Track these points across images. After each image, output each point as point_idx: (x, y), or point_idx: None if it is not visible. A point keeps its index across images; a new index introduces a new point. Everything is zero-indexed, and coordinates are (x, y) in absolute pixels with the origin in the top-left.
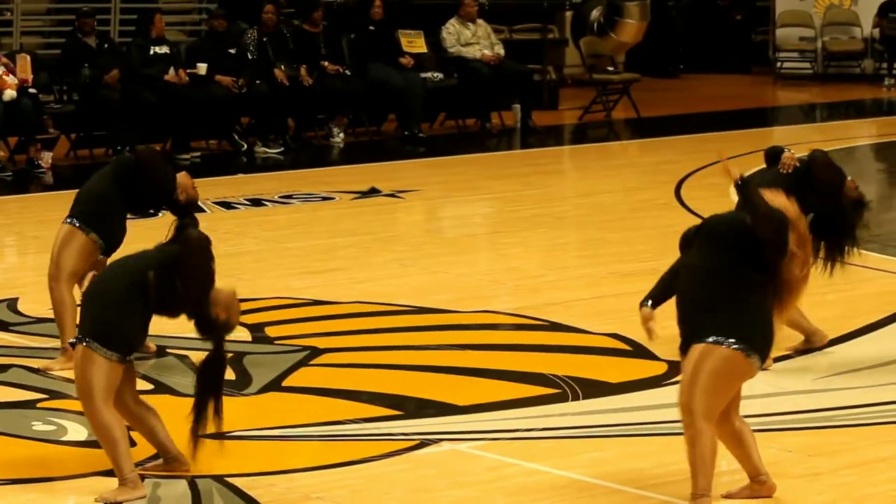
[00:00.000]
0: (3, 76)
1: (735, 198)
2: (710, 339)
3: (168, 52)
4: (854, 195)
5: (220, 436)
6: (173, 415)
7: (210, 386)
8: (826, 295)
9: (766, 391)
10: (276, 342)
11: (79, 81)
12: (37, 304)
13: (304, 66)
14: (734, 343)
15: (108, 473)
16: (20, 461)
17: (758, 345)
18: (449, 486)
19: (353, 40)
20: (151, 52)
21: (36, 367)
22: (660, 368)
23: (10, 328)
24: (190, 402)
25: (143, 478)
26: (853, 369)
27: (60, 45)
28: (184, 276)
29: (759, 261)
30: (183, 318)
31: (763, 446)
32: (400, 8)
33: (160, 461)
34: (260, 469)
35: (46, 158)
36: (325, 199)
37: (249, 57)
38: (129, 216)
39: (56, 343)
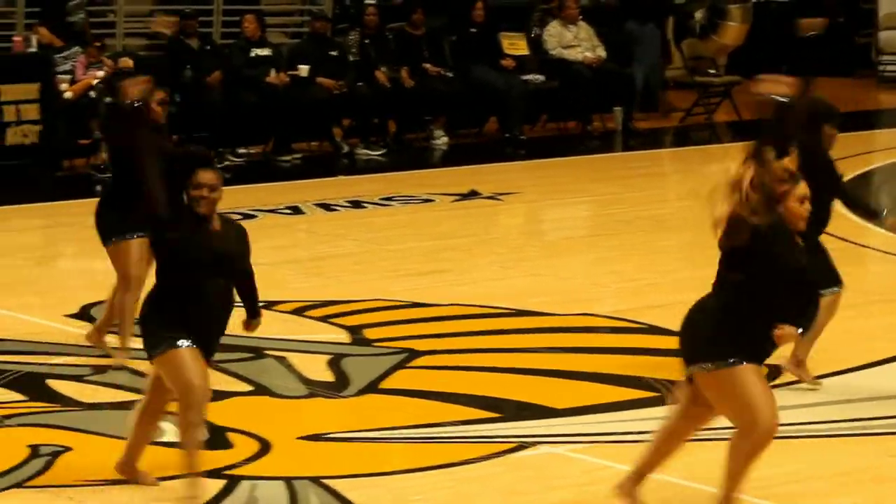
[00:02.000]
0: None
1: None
2: None
3: (269, 54)
4: None
5: (317, 437)
6: (269, 415)
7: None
8: None
9: (867, 395)
10: (374, 344)
11: (181, 83)
12: (136, 304)
13: (406, 67)
14: None
15: (208, 475)
16: None
17: None
18: (544, 490)
19: (454, 42)
20: (253, 54)
21: (135, 368)
22: None
23: (110, 329)
24: (288, 402)
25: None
26: None
27: (163, 47)
28: None
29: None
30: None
31: (864, 451)
32: (502, 10)
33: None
34: (357, 471)
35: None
36: (425, 201)
37: (351, 59)
38: None
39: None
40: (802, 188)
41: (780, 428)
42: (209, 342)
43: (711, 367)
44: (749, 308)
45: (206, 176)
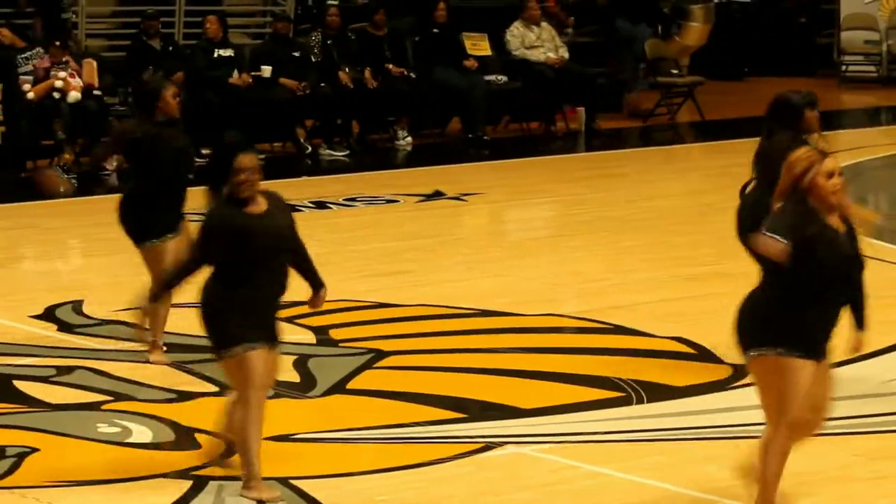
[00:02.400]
0: (69, 78)
1: None
2: None
3: (232, 54)
4: None
5: (284, 438)
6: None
7: None
8: (887, 298)
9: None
10: (340, 345)
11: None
12: (101, 305)
13: (369, 68)
14: None
15: (175, 476)
16: (86, 463)
17: None
18: (512, 489)
19: (417, 43)
20: (215, 55)
21: (101, 369)
22: (724, 372)
23: (75, 330)
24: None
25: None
26: None
27: (125, 48)
28: None
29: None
30: None
31: (828, 450)
32: (464, 11)
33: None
34: (324, 471)
35: (111, 161)
36: (389, 201)
37: (314, 59)
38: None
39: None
40: (828, 163)
41: (744, 428)
42: (275, 325)
43: (756, 354)
44: (796, 300)
45: (246, 160)
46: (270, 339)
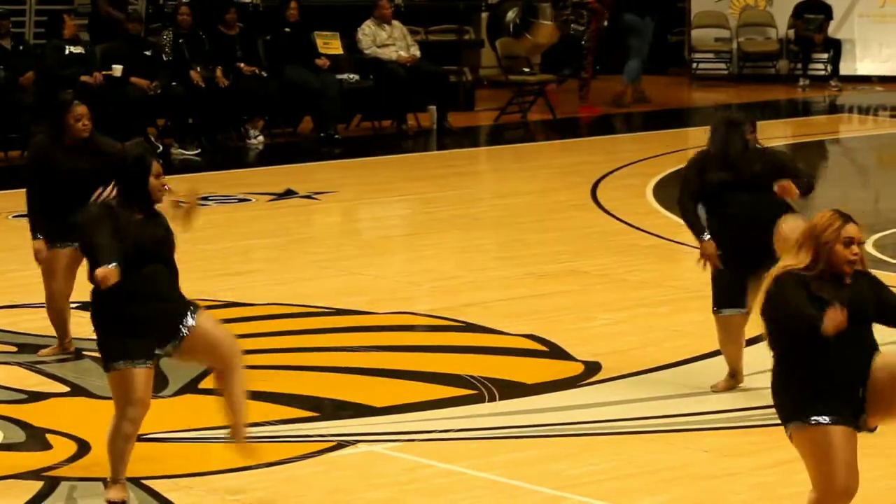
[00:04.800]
0: None
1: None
2: None
3: (83, 52)
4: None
5: (137, 437)
6: (87, 416)
7: None
8: None
9: (680, 391)
10: None
11: None
12: None
13: (220, 67)
14: None
15: (27, 477)
16: None
17: None
18: (365, 488)
19: (268, 42)
20: (67, 53)
21: None
22: (576, 369)
23: None
24: (107, 403)
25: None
26: (769, 369)
27: None
28: None
29: None
30: None
31: (679, 447)
32: (316, 10)
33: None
34: (176, 471)
35: None
36: (241, 200)
37: (165, 59)
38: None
39: None
40: (849, 229)
41: (595, 425)
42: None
43: (790, 430)
44: (798, 368)
45: (158, 166)
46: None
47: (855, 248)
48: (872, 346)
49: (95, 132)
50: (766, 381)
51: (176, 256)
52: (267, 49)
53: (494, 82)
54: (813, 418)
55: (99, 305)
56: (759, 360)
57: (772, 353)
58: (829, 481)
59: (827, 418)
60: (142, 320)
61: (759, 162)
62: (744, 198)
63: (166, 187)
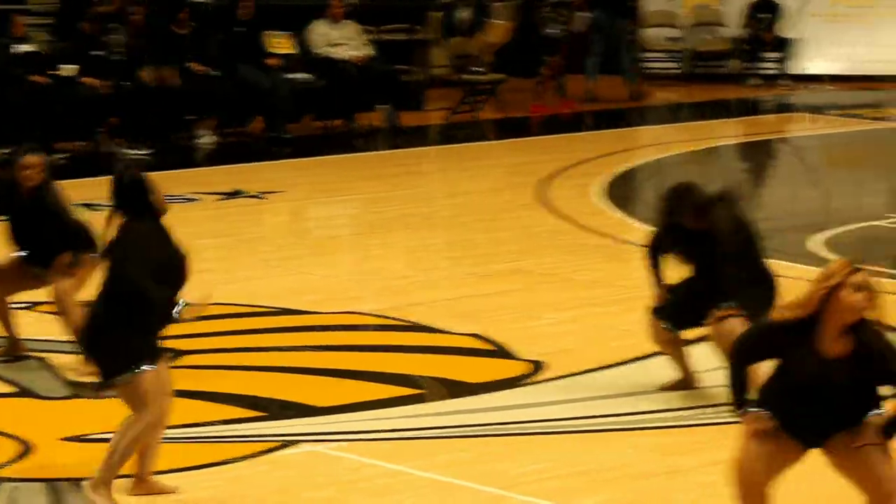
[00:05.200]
0: None
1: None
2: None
3: (34, 51)
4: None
5: (80, 438)
6: (31, 417)
7: None
8: None
9: (624, 390)
10: None
11: None
12: None
13: (172, 67)
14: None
15: None
16: None
17: None
18: (309, 488)
19: (220, 41)
20: (14, 52)
21: None
22: (520, 369)
23: None
24: (51, 404)
25: None
26: (716, 367)
27: None
28: None
29: None
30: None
31: (622, 446)
32: (267, 9)
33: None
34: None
35: None
36: (189, 200)
37: (116, 58)
38: None
39: None
40: (857, 277)
41: (539, 424)
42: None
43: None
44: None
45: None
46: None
47: (861, 296)
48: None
49: (50, 184)
50: (710, 380)
51: None
52: (218, 48)
53: (446, 81)
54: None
55: (126, 312)
56: (703, 360)
57: None
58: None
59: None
60: (158, 322)
61: None
62: None
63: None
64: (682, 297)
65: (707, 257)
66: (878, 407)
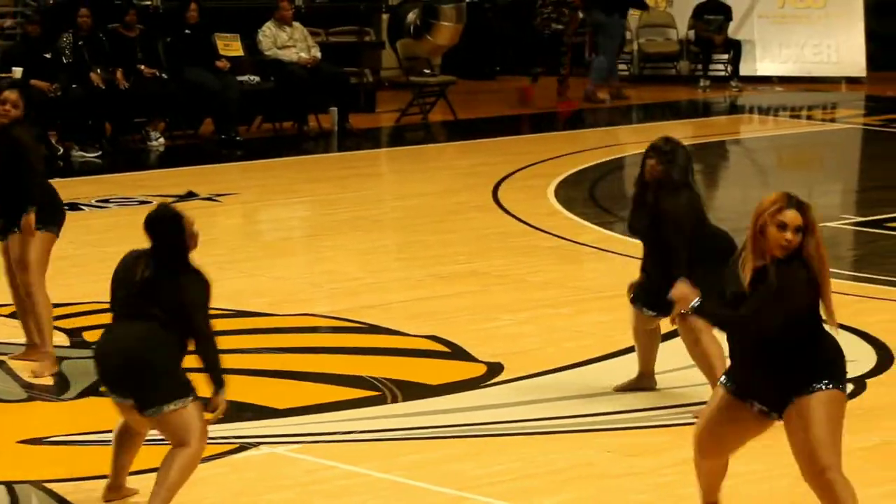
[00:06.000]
0: None
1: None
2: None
3: None
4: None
5: (38, 441)
6: None
7: None
8: None
9: (582, 392)
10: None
11: None
12: None
13: (121, 69)
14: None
15: None
16: None
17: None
18: (268, 490)
19: (168, 44)
20: None
21: None
22: (478, 370)
23: None
24: (8, 406)
25: None
26: (671, 369)
27: None
28: None
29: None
30: None
31: (581, 447)
32: (216, 12)
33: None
34: (79, 474)
35: None
36: (142, 202)
37: (65, 61)
38: None
39: None
40: (785, 215)
41: (497, 426)
42: None
43: None
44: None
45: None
46: None
47: (788, 234)
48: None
49: (20, 122)
50: (665, 382)
51: (77, 259)
52: (167, 51)
53: (395, 84)
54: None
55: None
56: (660, 362)
57: None
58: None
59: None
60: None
61: None
62: None
63: None
64: (650, 281)
65: (662, 240)
66: None
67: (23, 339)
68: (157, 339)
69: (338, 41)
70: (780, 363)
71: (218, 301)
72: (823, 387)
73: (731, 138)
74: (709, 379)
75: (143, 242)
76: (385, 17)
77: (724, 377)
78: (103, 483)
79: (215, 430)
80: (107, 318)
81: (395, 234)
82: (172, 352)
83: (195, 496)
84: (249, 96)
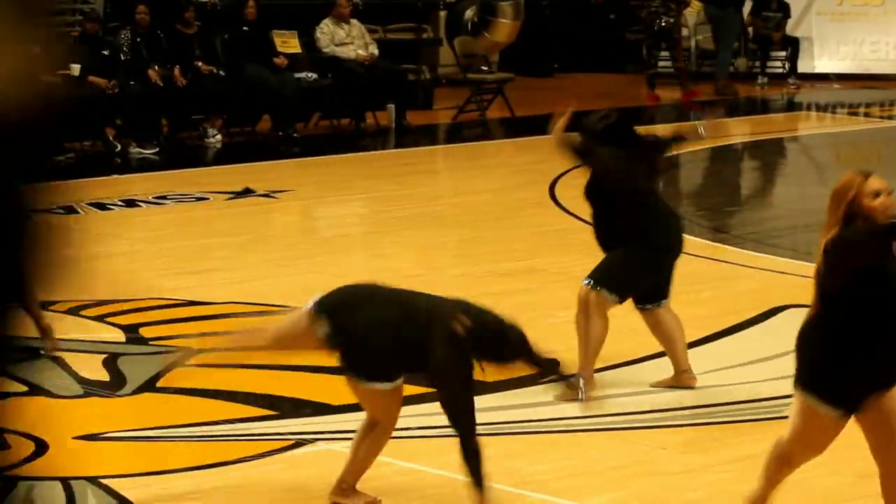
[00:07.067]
0: None
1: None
2: None
3: None
4: None
5: (94, 437)
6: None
7: None
8: (701, 293)
9: (639, 389)
10: (150, 343)
11: None
12: None
13: (178, 66)
14: None
15: None
16: None
17: None
18: (324, 486)
19: (226, 41)
20: None
21: None
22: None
23: None
24: (64, 402)
25: None
26: (727, 366)
27: None
28: None
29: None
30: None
31: (636, 443)
32: (274, 8)
33: None
34: (134, 470)
35: None
36: (199, 199)
37: (123, 58)
38: None
39: None
40: (871, 184)
41: (553, 422)
42: None
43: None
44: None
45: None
46: None
47: (882, 198)
48: None
49: None
50: (722, 379)
51: (134, 255)
52: (225, 48)
53: (453, 81)
54: None
55: None
56: (717, 360)
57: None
58: None
59: None
60: None
61: None
62: None
63: None
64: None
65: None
66: None
67: (81, 336)
68: None
69: (395, 38)
70: None
71: (275, 298)
72: None
73: (789, 135)
74: (590, 355)
75: (202, 238)
76: (442, 13)
77: (825, 407)
78: (159, 478)
79: (272, 426)
80: (164, 314)
81: (453, 230)
82: None
83: (251, 491)
84: (307, 93)
